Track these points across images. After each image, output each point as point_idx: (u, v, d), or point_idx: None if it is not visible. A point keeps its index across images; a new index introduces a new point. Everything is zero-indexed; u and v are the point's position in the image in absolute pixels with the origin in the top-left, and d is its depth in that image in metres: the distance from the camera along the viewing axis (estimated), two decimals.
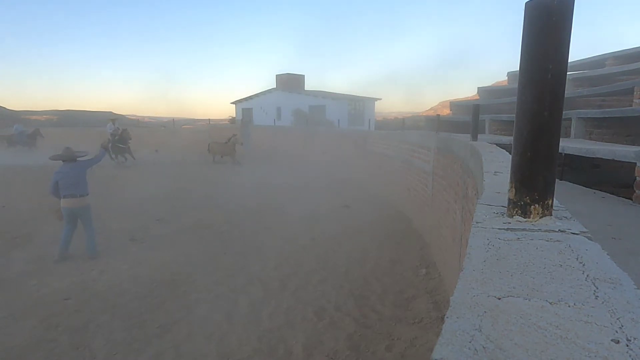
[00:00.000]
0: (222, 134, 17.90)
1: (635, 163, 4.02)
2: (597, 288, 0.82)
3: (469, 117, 7.35)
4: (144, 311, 4.07)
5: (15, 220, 7.30)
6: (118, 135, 15.38)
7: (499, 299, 0.78)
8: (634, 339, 0.63)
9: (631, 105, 7.27)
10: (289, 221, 7.34)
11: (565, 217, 1.32)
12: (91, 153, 6.11)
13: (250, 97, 28.06)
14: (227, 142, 15.43)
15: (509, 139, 7.04)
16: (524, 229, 1.21)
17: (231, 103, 29.87)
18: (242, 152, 15.50)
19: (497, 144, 4.47)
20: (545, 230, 1.19)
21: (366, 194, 9.92)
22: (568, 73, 4.59)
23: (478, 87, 13.78)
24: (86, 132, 20.19)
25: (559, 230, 1.20)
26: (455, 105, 14.16)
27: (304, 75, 28.17)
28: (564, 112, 2.10)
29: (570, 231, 1.19)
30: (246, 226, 7.04)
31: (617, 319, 0.70)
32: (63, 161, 5.46)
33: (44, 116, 35.08)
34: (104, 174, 11.74)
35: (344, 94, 25.83)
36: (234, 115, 29.79)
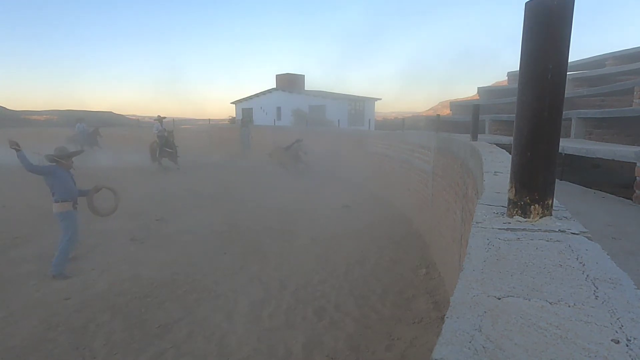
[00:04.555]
0: (222, 135, 17.71)
1: (635, 163, 4.03)
2: (597, 288, 0.82)
3: (469, 117, 7.35)
4: (144, 311, 4.07)
5: (16, 220, 7.30)
6: (165, 138, 13.74)
7: (499, 298, 0.78)
8: (634, 339, 0.63)
9: (631, 105, 7.27)
10: (289, 221, 7.34)
11: (565, 217, 1.32)
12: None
13: (250, 97, 28.04)
14: (288, 148, 13.22)
15: (509, 139, 7.04)
16: (524, 229, 1.21)
17: (231, 103, 29.88)
18: (307, 160, 12.81)
19: (497, 144, 4.47)
20: (545, 230, 1.19)
21: (366, 194, 9.92)
22: (568, 73, 4.59)
23: (478, 87, 13.78)
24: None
25: (559, 230, 1.20)
26: (455, 105, 14.15)
27: (304, 75, 28.16)
28: (564, 112, 2.10)
29: (570, 231, 1.19)
30: (246, 226, 7.04)
31: (617, 319, 0.70)
32: None
33: (44, 116, 34.99)
34: (105, 175, 11.73)
35: (344, 94, 25.80)
36: (234, 115, 29.79)
